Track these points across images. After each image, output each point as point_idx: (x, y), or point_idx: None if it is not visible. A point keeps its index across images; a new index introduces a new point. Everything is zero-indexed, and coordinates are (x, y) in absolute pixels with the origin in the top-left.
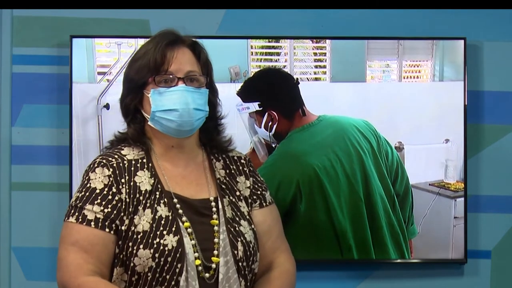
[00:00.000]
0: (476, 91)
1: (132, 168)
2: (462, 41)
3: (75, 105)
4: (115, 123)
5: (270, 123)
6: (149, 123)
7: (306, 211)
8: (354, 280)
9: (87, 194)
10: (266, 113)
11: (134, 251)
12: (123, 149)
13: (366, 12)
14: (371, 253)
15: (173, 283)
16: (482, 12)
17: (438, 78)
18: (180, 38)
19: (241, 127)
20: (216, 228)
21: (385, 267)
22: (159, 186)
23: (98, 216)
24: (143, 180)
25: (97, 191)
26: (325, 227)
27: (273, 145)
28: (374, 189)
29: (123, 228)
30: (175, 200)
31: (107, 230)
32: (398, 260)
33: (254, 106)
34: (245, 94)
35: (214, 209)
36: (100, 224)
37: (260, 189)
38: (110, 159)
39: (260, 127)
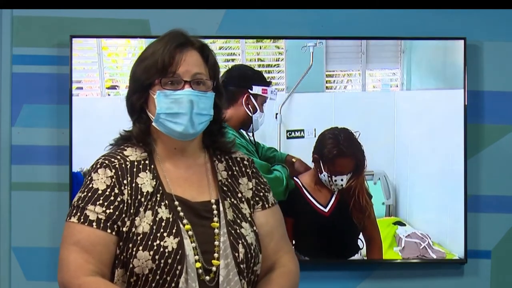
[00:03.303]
0: (476, 91)
1: (135, 169)
2: (461, 43)
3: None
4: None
5: None
6: (153, 124)
7: None
8: (354, 280)
9: (89, 194)
10: None
11: (134, 253)
12: (125, 150)
13: (366, 12)
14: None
15: (173, 285)
16: (482, 12)
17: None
18: (189, 40)
19: None
20: (216, 230)
21: (385, 267)
22: (160, 188)
23: (100, 216)
24: (145, 181)
25: (99, 191)
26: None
27: None
28: None
29: (124, 229)
30: (176, 202)
31: (108, 230)
32: (398, 260)
33: None
34: None
35: (215, 211)
36: (101, 225)
37: (263, 191)
38: (113, 160)
39: None
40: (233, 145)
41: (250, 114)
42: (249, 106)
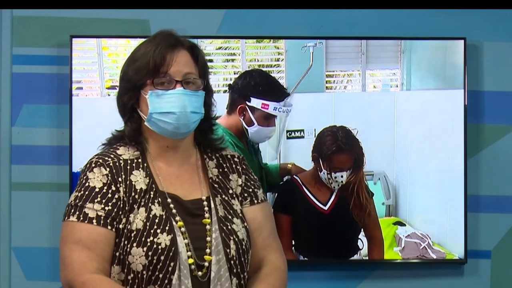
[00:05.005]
0: (476, 91)
1: (128, 167)
2: (461, 43)
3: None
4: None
5: None
6: (145, 123)
7: None
8: (354, 280)
9: (87, 193)
10: None
11: (128, 249)
12: (118, 149)
13: (366, 12)
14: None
15: (166, 281)
16: (482, 12)
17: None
18: (179, 41)
19: None
20: (208, 226)
21: (385, 267)
22: (153, 185)
23: (99, 213)
24: (138, 179)
25: (97, 189)
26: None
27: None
28: None
29: (120, 226)
30: (169, 200)
31: (108, 227)
32: (398, 260)
33: None
34: None
35: (206, 208)
36: (102, 222)
37: (252, 187)
38: (106, 158)
39: None
40: (222, 142)
41: (245, 126)
42: (244, 118)
